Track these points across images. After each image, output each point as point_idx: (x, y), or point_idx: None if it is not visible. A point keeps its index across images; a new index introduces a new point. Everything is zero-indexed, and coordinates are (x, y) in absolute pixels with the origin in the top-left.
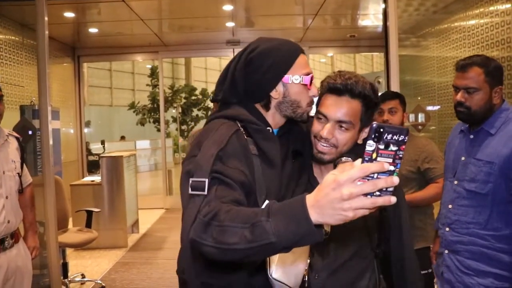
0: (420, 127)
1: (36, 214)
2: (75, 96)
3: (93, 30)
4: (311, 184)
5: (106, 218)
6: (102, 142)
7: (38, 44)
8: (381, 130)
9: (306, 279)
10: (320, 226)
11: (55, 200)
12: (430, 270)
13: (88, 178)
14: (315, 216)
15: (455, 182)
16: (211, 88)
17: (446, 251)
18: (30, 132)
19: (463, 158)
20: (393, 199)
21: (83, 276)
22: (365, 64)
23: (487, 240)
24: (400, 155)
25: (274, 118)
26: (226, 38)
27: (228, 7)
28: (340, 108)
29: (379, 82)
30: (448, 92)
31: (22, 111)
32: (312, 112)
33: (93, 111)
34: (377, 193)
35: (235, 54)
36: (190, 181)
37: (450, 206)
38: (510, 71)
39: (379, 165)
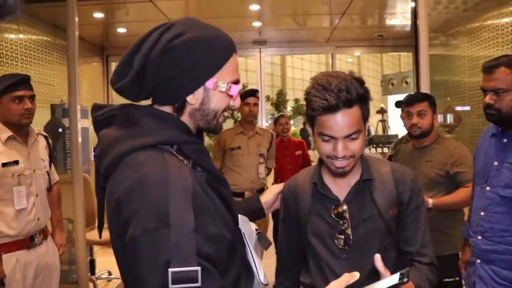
0: (448, 129)
1: (62, 211)
2: (103, 95)
3: (121, 30)
4: (326, 195)
5: None
6: None
7: (69, 44)
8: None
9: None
10: None
11: (84, 197)
12: (457, 278)
13: None
14: None
15: (488, 188)
16: None
17: (479, 261)
18: (60, 130)
19: (496, 163)
20: None
21: (109, 273)
22: (392, 64)
23: None
24: None
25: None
26: (253, 38)
27: (254, 7)
28: (343, 124)
29: (407, 83)
30: (480, 93)
31: (52, 110)
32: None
33: None
34: None
35: (172, 36)
36: (171, 273)
37: (482, 214)
38: None
39: None
